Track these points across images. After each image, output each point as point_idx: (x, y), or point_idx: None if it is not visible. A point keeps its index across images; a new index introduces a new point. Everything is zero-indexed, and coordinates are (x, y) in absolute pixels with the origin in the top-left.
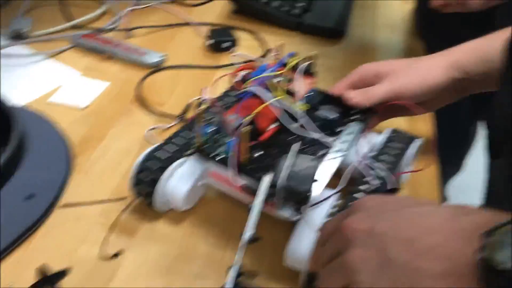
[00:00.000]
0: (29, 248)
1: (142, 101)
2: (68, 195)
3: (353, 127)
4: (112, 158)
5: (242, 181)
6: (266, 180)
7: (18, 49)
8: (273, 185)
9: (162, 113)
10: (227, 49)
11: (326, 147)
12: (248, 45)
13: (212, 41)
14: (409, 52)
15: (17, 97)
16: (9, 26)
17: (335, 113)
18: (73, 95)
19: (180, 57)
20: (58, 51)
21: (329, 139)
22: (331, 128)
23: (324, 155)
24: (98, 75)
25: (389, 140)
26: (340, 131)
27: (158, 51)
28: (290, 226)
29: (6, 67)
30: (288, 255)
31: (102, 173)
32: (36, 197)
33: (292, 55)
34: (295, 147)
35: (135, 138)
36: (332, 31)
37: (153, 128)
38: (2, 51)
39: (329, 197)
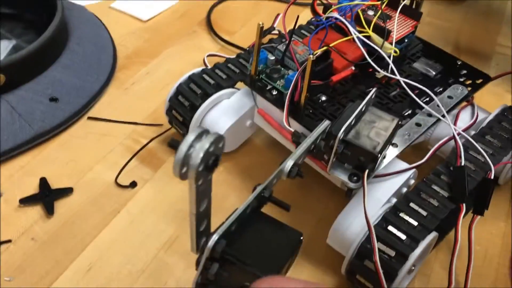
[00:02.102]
0: (41, 155)
1: (210, 26)
2: (98, 108)
3: (456, 91)
4: (160, 78)
5: (293, 126)
6: (324, 124)
7: None
8: (331, 136)
9: (229, 42)
10: None
11: (415, 107)
12: None
13: None
14: None
15: None
16: None
17: (436, 70)
18: (136, 6)
19: None
20: None
21: (421, 99)
22: (428, 87)
23: (410, 115)
24: None
25: (499, 119)
26: (438, 93)
27: None
28: (343, 199)
29: None
30: (332, 234)
31: (143, 93)
32: (62, 101)
33: None
34: (372, 94)
35: (192, 62)
36: None
37: (214, 55)
38: None
39: (402, 171)
